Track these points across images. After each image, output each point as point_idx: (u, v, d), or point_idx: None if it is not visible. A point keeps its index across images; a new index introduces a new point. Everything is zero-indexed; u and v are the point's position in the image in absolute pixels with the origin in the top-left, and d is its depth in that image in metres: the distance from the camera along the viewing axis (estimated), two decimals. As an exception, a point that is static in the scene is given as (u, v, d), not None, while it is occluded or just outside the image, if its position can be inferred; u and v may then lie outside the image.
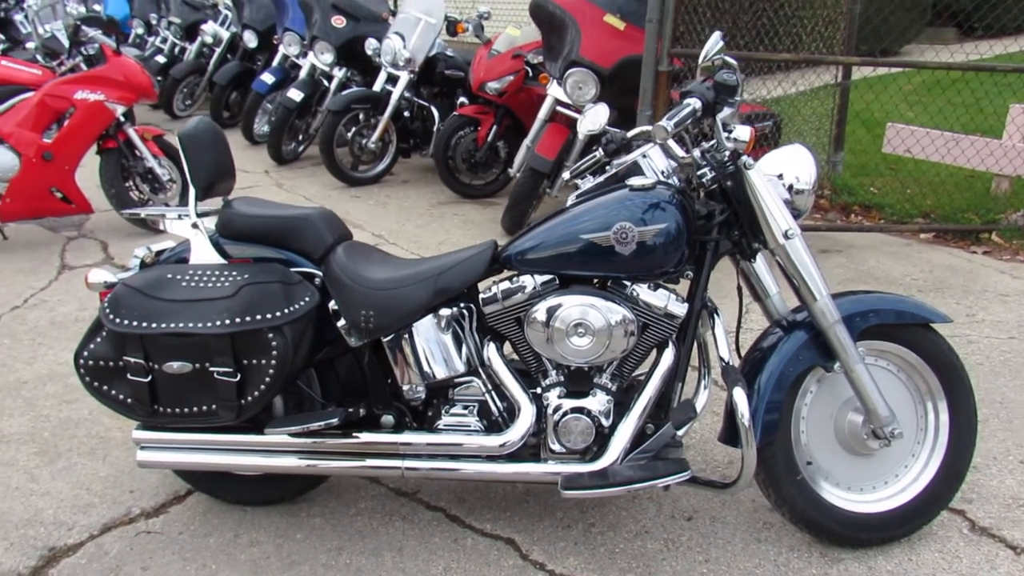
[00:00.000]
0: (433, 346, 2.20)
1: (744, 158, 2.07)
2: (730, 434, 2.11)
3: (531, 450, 2.23)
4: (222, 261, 2.25)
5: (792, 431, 2.20)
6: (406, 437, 2.19)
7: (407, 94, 5.99)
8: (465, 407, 2.25)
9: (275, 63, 7.24)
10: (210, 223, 2.32)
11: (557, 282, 2.14)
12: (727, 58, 1.99)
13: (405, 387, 2.26)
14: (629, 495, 2.46)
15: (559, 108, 4.84)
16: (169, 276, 2.15)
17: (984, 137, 5.25)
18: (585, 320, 2.07)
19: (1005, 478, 2.59)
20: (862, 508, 2.25)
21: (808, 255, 2.10)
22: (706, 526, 2.38)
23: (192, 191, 2.28)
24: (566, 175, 2.56)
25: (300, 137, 6.73)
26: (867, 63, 4.56)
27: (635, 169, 2.23)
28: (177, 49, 9.00)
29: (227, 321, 2.04)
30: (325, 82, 6.61)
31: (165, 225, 2.33)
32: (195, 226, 2.28)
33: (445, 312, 2.19)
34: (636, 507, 2.45)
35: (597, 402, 2.15)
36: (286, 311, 2.08)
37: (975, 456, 2.35)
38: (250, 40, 7.74)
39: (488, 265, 2.20)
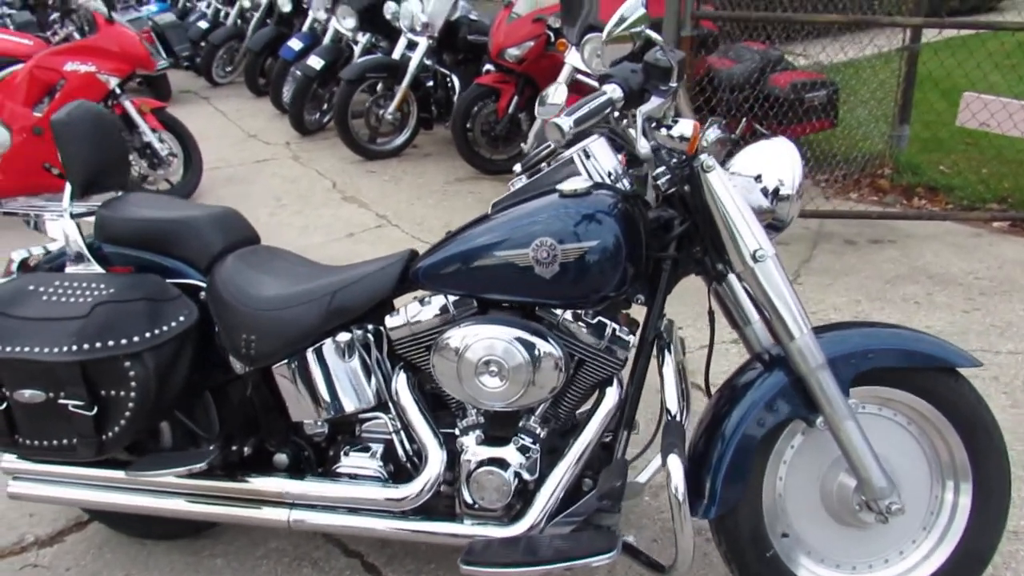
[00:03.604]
0: (329, 376, 1.84)
1: (702, 157, 1.62)
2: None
3: (447, 502, 1.86)
4: (99, 270, 1.95)
5: (764, 495, 1.77)
6: (292, 486, 1.86)
7: (427, 61, 5.59)
8: (369, 449, 1.90)
9: (304, 28, 6.93)
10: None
11: (476, 305, 1.76)
12: (651, 33, 1.53)
13: (305, 422, 1.92)
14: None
15: (578, 77, 4.37)
16: (31, 288, 1.85)
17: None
18: (497, 356, 1.68)
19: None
20: (853, 592, 1.82)
21: (784, 282, 1.65)
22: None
23: (67, 188, 1.98)
24: (517, 167, 2.15)
25: (324, 107, 6.40)
26: (930, 24, 3.94)
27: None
28: (222, 14, 8.78)
29: (74, 347, 1.73)
30: (353, 47, 6.28)
31: (43, 225, 2.05)
32: (70, 228, 1.98)
33: (344, 337, 1.83)
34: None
35: (519, 453, 1.77)
36: (147, 335, 1.76)
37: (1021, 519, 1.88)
38: (284, 4, 7.43)
39: (397, 281, 1.83)
